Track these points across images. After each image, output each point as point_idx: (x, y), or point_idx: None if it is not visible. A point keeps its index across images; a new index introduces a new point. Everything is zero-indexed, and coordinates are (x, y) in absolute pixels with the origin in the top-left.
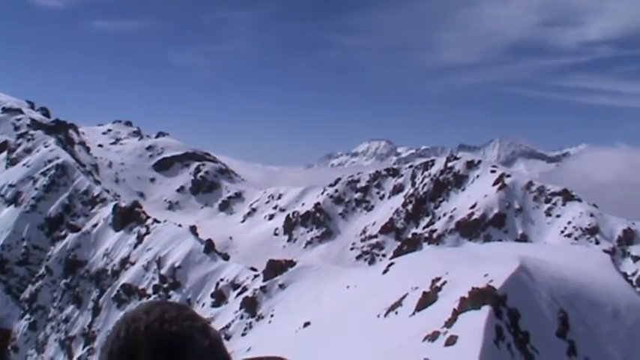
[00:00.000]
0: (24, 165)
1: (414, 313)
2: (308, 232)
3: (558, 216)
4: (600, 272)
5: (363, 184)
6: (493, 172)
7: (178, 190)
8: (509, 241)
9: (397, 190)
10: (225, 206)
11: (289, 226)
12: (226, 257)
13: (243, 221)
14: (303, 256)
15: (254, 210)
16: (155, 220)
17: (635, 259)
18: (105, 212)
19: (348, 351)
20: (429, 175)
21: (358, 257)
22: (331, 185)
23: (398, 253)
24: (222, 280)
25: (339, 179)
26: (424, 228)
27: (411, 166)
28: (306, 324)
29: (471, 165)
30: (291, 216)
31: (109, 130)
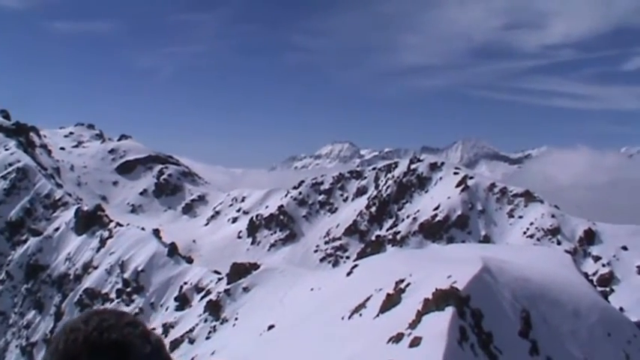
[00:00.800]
0: None
1: (378, 315)
2: (272, 234)
3: (521, 217)
4: (562, 272)
5: (326, 186)
6: (456, 174)
7: (141, 194)
8: (472, 243)
9: (361, 192)
10: (188, 209)
11: (253, 229)
12: (190, 260)
13: (206, 224)
14: (267, 258)
15: (217, 213)
16: (118, 224)
17: (596, 259)
18: (67, 216)
19: (312, 353)
20: (393, 177)
21: (322, 259)
22: (295, 188)
23: (362, 255)
24: (185, 283)
25: (302, 182)
26: (388, 230)
27: (374, 169)
28: (271, 327)
29: (434, 167)
30: (254, 219)
31: (71, 133)
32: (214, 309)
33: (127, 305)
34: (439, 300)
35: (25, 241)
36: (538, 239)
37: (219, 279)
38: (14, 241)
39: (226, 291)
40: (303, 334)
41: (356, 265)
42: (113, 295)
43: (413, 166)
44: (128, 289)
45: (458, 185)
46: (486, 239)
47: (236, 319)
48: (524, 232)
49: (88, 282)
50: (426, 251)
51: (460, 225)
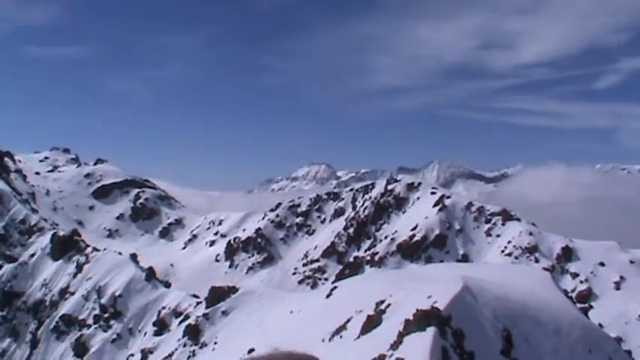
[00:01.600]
0: None
1: (359, 337)
2: (249, 257)
3: (498, 235)
4: (541, 290)
5: (303, 208)
6: (433, 193)
7: (118, 218)
8: (450, 262)
9: (338, 213)
10: (165, 233)
11: (231, 252)
12: (168, 285)
13: (184, 248)
14: (245, 281)
15: (195, 236)
16: (95, 249)
17: (574, 275)
18: (43, 241)
19: None
20: (370, 198)
21: (300, 282)
22: (272, 210)
23: (340, 276)
24: (164, 308)
25: (279, 204)
26: (366, 251)
27: (351, 190)
28: (250, 350)
29: (410, 187)
30: (232, 242)
31: (47, 158)
32: (193, 333)
33: (105, 331)
34: (420, 320)
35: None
36: (516, 257)
37: (198, 303)
38: None
39: (205, 315)
40: None
41: (335, 287)
42: (90, 321)
43: (390, 187)
44: (106, 315)
45: (435, 205)
46: (465, 258)
47: (215, 343)
48: (502, 251)
49: (65, 308)
50: (405, 271)
51: (438, 245)
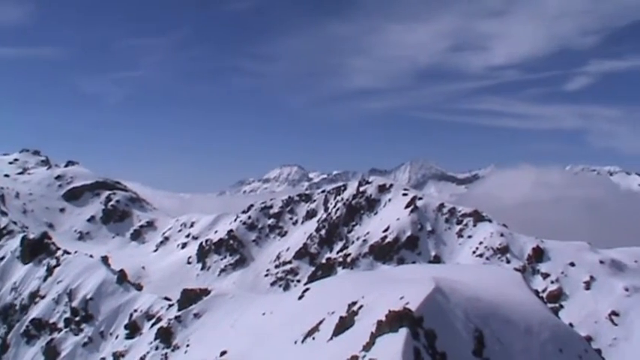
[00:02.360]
0: None
1: (331, 338)
2: (222, 259)
3: (470, 237)
4: (512, 290)
5: (276, 210)
6: (405, 195)
7: (89, 220)
8: (422, 263)
9: (310, 215)
10: (137, 235)
11: (203, 254)
12: (139, 287)
13: (155, 250)
14: (217, 284)
15: (166, 239)
16: (65, 252)
17: (545, 275)
18: (12, 244)
19: None
20: (342, 199)
21: (273, 283)
22: (244, 212)
23: (313, 278)
24: (135, 310)
25: (251, 206)
26: (338, 252)
27: (323, 191)
28: (223, 353)
29: (382, 189)
30: (204, 244)
31: (16, 160)
32: (165, 336)
33: (76, 335)
34: (392, 321)
35: None
36: (487, 258)
37: (170, 305)
38: None
39: (177, 317)
40: (256, 359)
41: (307, 289)
42: (61, 325)
43: (362, 189)
44: (77, 318)
45: (407, 206)
46: (436, 259)
47: (187, 345)
48: (474, 252)
49: (35, 312)
50: (377, 273)
51: (410, 246)
